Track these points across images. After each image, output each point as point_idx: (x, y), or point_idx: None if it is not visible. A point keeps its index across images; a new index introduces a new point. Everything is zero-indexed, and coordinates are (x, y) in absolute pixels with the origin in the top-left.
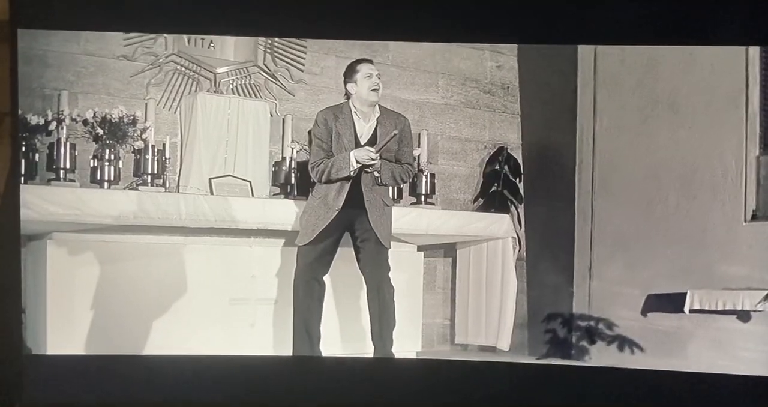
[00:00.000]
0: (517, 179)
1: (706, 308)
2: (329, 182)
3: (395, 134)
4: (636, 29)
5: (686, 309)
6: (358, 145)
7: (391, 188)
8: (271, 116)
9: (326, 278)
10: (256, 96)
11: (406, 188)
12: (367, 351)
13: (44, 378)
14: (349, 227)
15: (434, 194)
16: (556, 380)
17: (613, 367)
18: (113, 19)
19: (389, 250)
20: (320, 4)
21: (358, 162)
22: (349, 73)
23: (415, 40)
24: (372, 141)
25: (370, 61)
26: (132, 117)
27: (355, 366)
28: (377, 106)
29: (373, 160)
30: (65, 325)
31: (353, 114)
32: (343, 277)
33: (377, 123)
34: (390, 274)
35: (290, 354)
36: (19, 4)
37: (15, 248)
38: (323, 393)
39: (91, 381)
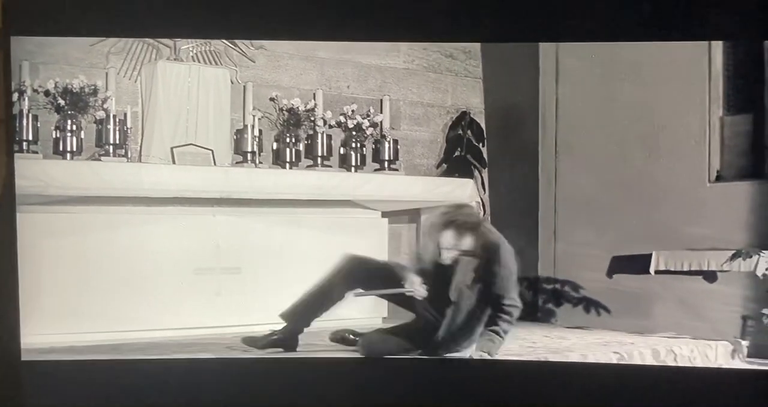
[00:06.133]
0: (481, 144)
1: (672, 269)
2: None
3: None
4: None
5: (651, 270)
6: None
7: (354, 154)
8: (232, 83)
9: None
10: (216, 63)
11: (369, 154)
12: None
13: (43, 384)
14: None
15: (397, 159)
16: (556, 379)
17: (613, 365)
18: (106, 25)
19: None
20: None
21: None
22: None
23: (373, 41)
24: None
25: None
26: (93, 87)
27: (354, 366)
28: None
29: None
30: (33, 299)
31: None
32: None
33: None
34: None
35: (257, 322)
36: (12, 11)
37: (12, 253)
38: (323, 393)
39: (90, 387)
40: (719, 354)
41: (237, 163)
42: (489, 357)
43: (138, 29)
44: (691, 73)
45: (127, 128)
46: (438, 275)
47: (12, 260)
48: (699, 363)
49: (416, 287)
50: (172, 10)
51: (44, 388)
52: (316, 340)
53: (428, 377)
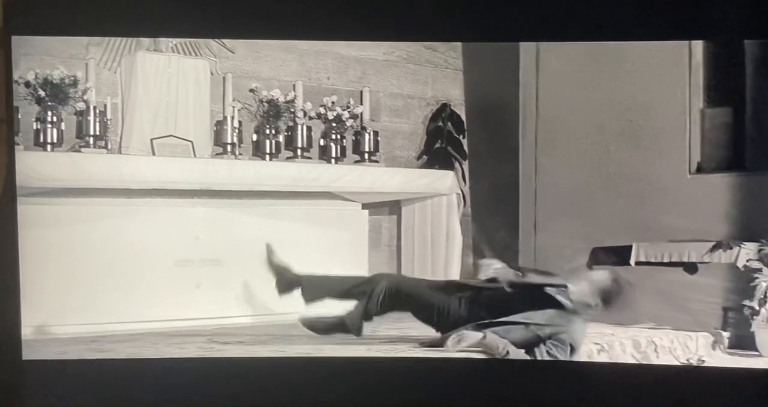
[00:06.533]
0: (461, 136)
1: (652, 260)
2: None
3: None
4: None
5: (632, 261)
6: None
7: (334, 145)
8: (212, 74)
9: None
10: (195, 54)
11: (349, 145)
12: None
13: (44, 384)
14: None
15: (378, 151)
16: (557, 379)
17: (612, 363)
18: (107, 25)
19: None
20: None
21: None
22: None
23: (354, 40)
24: None
25: None
26: (73, 78)
27: (353, 366)
28: None
29: None
30: None
31: None
32: None
33: None
34: None
35: (238, 314)
36: (12, 11)
37: (13, 256)
38: (322, 393)
39: (90, 387)
40: (700, 345)
41: (217, 154)
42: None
43: (139, 29)
44: (672, 65)
45: (107, 120)
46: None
47: (13, 260)
48: (679, 353)
49: None
50: (172, 11)
51: (45, 388)
52: None
53: (428, 377)
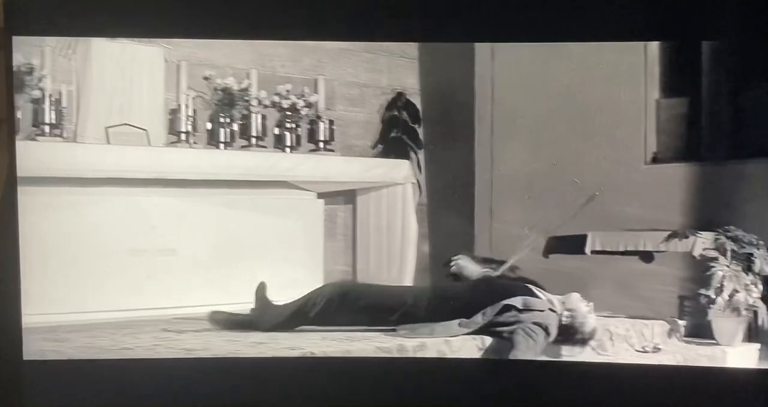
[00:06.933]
0: (417, 125)
1: (608, 249)
2: None
3: None
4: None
5: (587, 250)
6: None
7: (289, 134)
8: (166, 61)
9: None
10: (150, 41)
11: (304, 134)
12: None
13: (44, 384)
14: None
15: (333, 140)
16: (556, 379)
17: (613, 363)
18: (107, 25)
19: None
20: None
21: None
22: None
23: (310, 40)
24: None
25: None
26: (29, 65)
27: (351, 365)
28: None
29: None
30: None
31: None
32: None
33: None
34: None
35: (193, 304)
36: (12, 11)
37: (14, 255)
38: (321, 393)
39: (91, 387)
40: (655, 333)
41: (171, 143)
42: None
43: (141, 29)
44: (628, 54)
45: (62, 108)
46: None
47: (13, 259)
48: (635, 342)
49: None
50: (173, 10)
51: (45, 388)
52: None
53: (429, 377)
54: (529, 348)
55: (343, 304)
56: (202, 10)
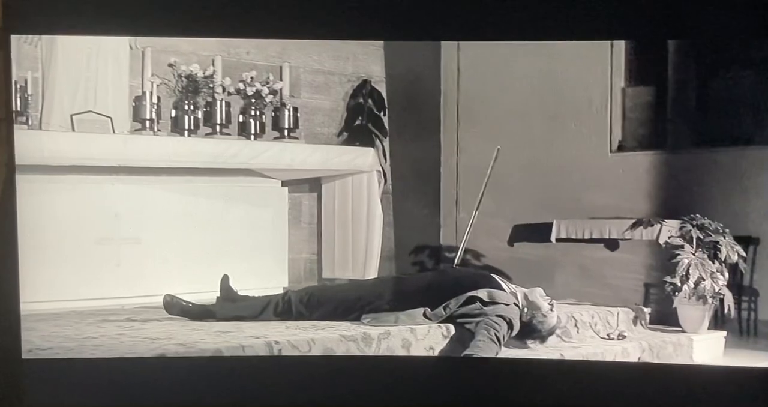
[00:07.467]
0: (382, 113)
1: (573, 237)
2: None
3: None
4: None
5: (552, 238)
6: None
7: (253, 121)
8: (131, 48)
9: None
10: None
11: (268, 122)
12: None
13: (44, 383)
14: None
15: (297, 128)
16: (555, 379)
17: (607, 363)
18: (107, 24)
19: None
20: None
21: None
22: None
23: (279, 38)
24: None
25: None
26: None
27: (349, 365)
28: None
29: None
30: None
31: None
32: None
33: None
34: None
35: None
36: (12, 11)
37: (12, 254)
38: (323, 393)
39: (91, 386)
40: (620, 320)
41: (135, 130)
42: None
43: (140, 28)
44: (593, 43)
45: (27, 95)
46: None
47: (12, 259)
48: (600, 329)
49: None
50: (172, 10)
51: (45, 388)
52: None
53: (429, 377)
54: (492, 341)
55: (308, 307)
56: (201, 9)
